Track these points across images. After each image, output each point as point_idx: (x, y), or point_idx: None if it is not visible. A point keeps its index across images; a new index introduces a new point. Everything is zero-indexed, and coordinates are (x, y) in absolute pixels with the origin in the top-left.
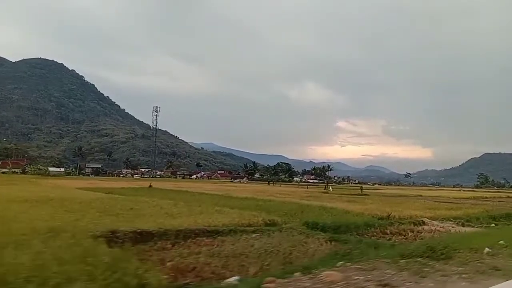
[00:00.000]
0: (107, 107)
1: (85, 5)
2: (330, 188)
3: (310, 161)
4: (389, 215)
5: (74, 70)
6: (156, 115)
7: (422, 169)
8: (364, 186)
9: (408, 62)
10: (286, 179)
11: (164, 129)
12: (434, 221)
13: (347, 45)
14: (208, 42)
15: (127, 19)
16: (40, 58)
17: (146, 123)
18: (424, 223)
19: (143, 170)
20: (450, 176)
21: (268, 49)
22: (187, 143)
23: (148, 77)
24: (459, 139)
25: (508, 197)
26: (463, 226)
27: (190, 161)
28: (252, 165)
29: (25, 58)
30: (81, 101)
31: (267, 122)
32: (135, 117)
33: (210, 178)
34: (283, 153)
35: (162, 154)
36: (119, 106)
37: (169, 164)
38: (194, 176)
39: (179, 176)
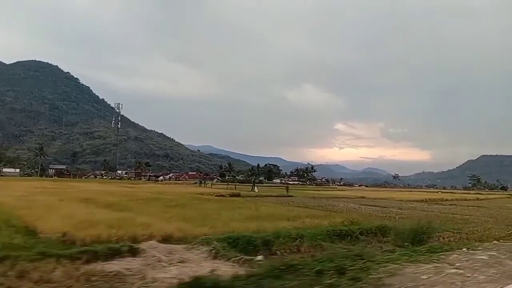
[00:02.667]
0: (101, 109)
1: (81, 7)
2: (256, 189)
3: (308, 163)
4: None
5: (69, 72)
6: (119, 113)
7: (420, 171)
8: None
9: (406, 64)
10: (256, 180)
11: (160, 131)
12: (169, 246)
13: (346, 48)
14: (207, 45)
15: (125, 21)
16: (35, 60)
17: (141, 125)
18: (134, 251)
19: (120, 172)
20: (447, 178)
21: (267, 51)
22: (183, 145)
23: (146, 79)
24: (456, 141)
25: (478, 199)
26: (215, 257)
27: (183, 163)
28: (227, 166)
29: (19, 60)
30: (75, 104)
31: (266, 125)
32: (130, 119)
33: (178, 180)
34: (281, 155)
35: (154, 156)
36: (114, 109)
37: (138, 165)
38: (161, 177)
39: (144, 178)
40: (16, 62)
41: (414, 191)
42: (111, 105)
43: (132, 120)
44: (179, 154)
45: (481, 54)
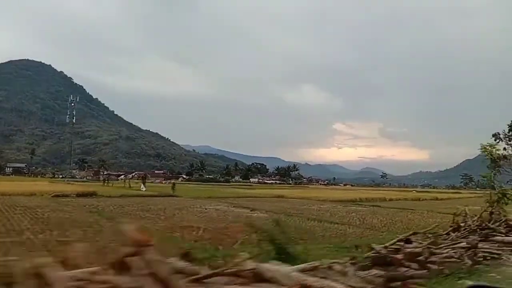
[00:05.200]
0: (95, 108)
1: (77, 6)
2: (142, 187)
3: (306, 163)
4: None
5: (62, 72)
6: (73, 109)
7: (417, 170)
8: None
9: (405, 64)
10: (221, 179)
11: (155, 131)
12: None
13: (345, 48)
14: (206, 45)
15: (122, 21)
16: (28, 59)
17: (135, 125)
18: None
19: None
20: (444, 178)
21: (266, 52)
22: (178, 145)
23: (144, 80)
24: (454, 141)
25: (437, 198)
26: None
27: (175, 163)
28: (199, 164)
29: (12, 59)
30: (68, 103)
31: (264, 125)
32: (124, 118)
33: (139, 178)
34: (279, 155)
35: (145, 156)
36: (108, 108)
37: (101, 163)
38: (122, 176)
39: (103, 177)
40: (8, 61)
41: (381, 190)
42: (105, 105)
43: (126, 120)
44: (171, 154)
45: (479, 55)
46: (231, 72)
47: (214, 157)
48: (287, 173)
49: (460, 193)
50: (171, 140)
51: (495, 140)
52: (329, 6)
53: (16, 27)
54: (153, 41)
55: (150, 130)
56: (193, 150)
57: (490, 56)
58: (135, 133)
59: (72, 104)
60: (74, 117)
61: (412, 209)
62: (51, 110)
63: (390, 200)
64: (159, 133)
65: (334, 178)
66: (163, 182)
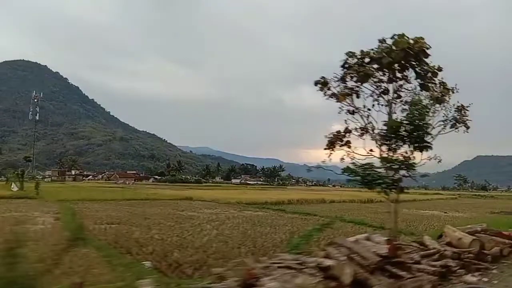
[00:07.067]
0: (90, 109)
1: (73, 7)
2: (13, 186)
3: (304, 164)
4: None
5: (58, 72)
6: (36, 105)
7: (416, 172)
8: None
9: None
10: (192, 180)
11: (152, 132)
12: None
13: (344, 49)
14: (206, 46)
15: (121, 21)
16: (23, 60)
17: (132, 126)
18: None
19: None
20: (442, 179)
21: (266, 53)
22: (175, 146)
23: (144, 81)
24: (453, 142)
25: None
26: None
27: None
28: (176, 164)
29: (7, 60)
30: (63, 104)
31: (264, 126)
32: (120, 119)
33: (109, 179)
34: (278, 156)
35: (139, 157)
36: (104, 109)
37: (71, 163)
38: (90, 176)
39: (69, 177)
40: (3, 62)
41: (354, 192)
42: (101, 105)
43: (122, 121)
44: (166, 155)
45: (478, 55)
46: (230, 73)
47: (212, 158)
48: (273, 174)
49: (441, 194)
50: (168, 141)
51: (322, 90)
52: (329, 6)
53: (12, 27)
54: (152, 41)
55: (147, 131)
56: (190, 151)
57: (490, 56)
58: (130, 134)
59: (36, 100)
60: (38, 114)
61: (314, 214)
62: (45, 110)
63: (331, 202)
64: (156, 134)
65: (329, 179)
66: (128, 182)
